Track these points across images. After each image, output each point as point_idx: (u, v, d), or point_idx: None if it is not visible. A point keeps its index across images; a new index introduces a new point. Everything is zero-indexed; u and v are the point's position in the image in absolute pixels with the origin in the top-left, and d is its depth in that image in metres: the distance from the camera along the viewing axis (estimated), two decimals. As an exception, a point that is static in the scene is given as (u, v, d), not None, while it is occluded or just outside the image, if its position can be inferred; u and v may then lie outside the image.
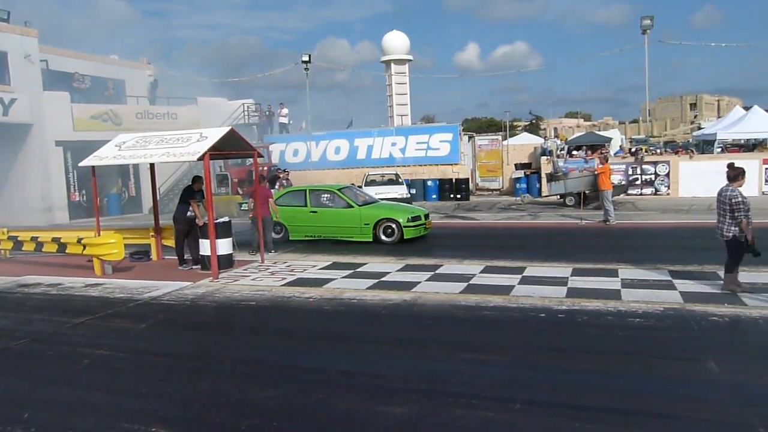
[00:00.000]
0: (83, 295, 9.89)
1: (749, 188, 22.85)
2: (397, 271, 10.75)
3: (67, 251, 11.96)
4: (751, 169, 23.10)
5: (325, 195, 14.86)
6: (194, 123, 26.24)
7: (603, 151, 19.58)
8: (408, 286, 9.41)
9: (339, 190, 14.87)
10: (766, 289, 8.21)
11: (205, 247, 11.09)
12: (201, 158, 10.38)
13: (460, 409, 4.91)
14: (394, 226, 13.93)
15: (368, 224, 14.04)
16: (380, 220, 14.03)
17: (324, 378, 5.78)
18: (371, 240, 13.98)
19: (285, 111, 32.44)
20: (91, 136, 22.28)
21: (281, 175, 23.02)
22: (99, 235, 11.67)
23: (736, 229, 7.96)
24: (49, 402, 5.52)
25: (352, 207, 14.28)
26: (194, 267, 11.68)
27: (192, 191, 11.70)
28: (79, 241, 11.62)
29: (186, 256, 12.00)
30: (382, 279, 10.05)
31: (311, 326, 7.74)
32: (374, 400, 5.18)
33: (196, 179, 11.87)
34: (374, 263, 11.55)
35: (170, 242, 12.70)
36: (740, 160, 23.60)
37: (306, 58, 32.94)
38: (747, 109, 30.35)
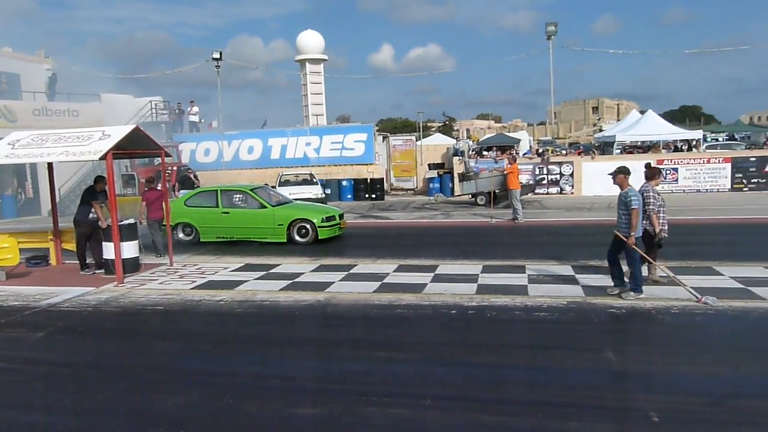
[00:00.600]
0: (-28, 304, 9.19)
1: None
2: (311, 271, 10.68)
3: (-47, 257, 11.07)
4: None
5: (238, 195, 14.54)
6: (98, 121, 24.91)
7: (511, 152, 20.37)
8: (322, 286, 9.37)
9: (252, 190, 14.60)
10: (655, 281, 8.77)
11: (108, 250, 10.57)
12: (103, 157, 9.90)
13: (373, 408, 4.94)
14: (308, 226, 13.81)
15: (282, 225, 13.85)
16: (294, 221, 13.87)
17: (234, 382, 5.65)
18: (285, 241, 13.81)
19: (195, 109, 31.49)
20: (-19, 134, 20.72)
21: (191, 175, 22.37)
22: (-10, 239, 10.88)
23: (646, 222, 8.41)
24: (-70, 421, 5.09)
25: (266, 207, 14.05)
26: (97, 271, 11.11)
27: (94, 192, 11.12)
28: (-33, 246, 10.78)
29: (88, 261, 11.40)
30: (296, 280, 9.95)
31: (222, 330, 7.55)
32: (286, 403, 5.12)
33: (99, 179, 11.30)
34: (288, 264, 11.43)
35: (71, 246, 12.02)
36: (637, 161, 25.19)
37: (217, 55, 32.08)
38: (643, 113, 32.42)
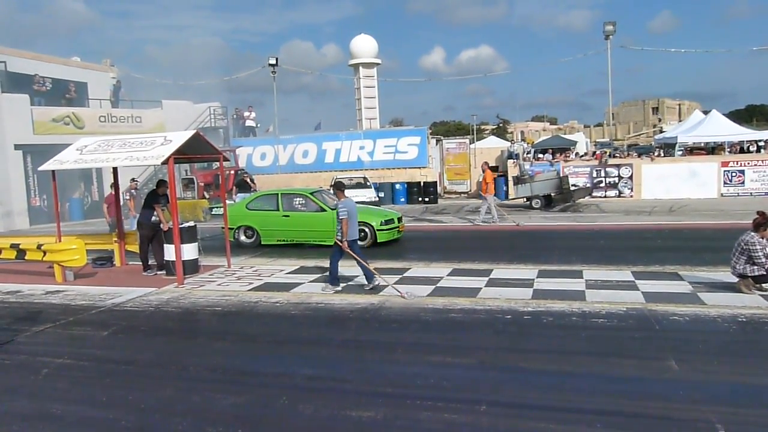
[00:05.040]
0: (43, 303, 9.63)
1: (708, 190, 23.56)
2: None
3: (26, 258, 11.65)
4: (710, 172, 23.76)
5: (298, 199, 14.67)
6: (159, 126, 25.86)
7: (486, 160, 20.33)
8: (375, 289, 9.40)
9: (311, 193, 14.74)
10: (720, 287, 8.44)
11: (170, 252, 10.91)
12: (165, 162, 10.23)
13: (426, 412, 4.92)
14: (367, 229, 13.79)
15: None
16: None
17: (290, 383, 5.74)
18: None
19: (253, 114, 32.18)
20: (52, 140, 21.70)
21: (247, 179, 22.84)
22: (60, 240, 11.40)
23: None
24: (7, 414, 5.36)
25: (325, 210, 14.09)
26: (159, 272, 11.48)
27: (156, 195, 11.49)
28: (39, 247, 11.32)
29: (151, 262, 11.79)
30: (350, 283, 10.02)
31: (277, 331, 7.68)
32: (340, 405, 5.15)
33: (161, 183, 11.68)
34: (341, 267, 11.45)
35: (134, 248, 12.46)
36: (700, 163, 24.29)
37: (273, 62, 32.71)
38: (706, 113, 31.21)
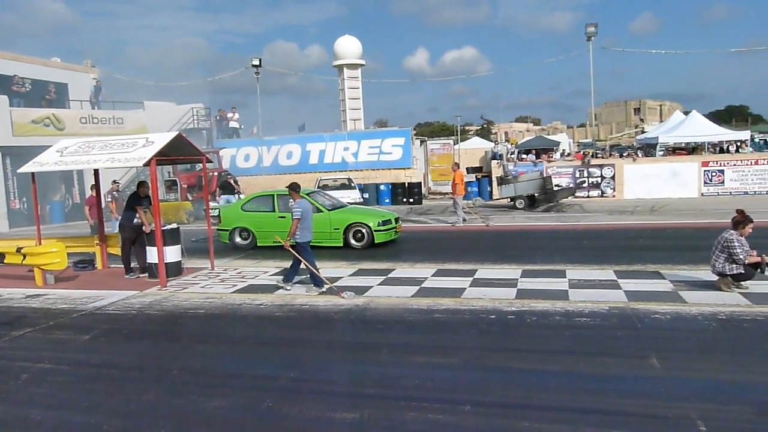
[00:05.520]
0: (23, 307, 9.50)
1: (689, 190, 23.84)
2: (350, 276, 10.73)
3: (5, 261, 11.47)
4: (691, 172, 24.06)
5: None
6: (141, 127, 25.63)
7: (456, 161, 20.49)
8: (360, 290, 9.39)
9: (307, 194, 14.60)
10: (700, 285, 8.54)
11: (152, 254, 10.82)
12: (147, 164, 10.14)
13: (412, 413, 4.92)
14: (364, 230, 13.72)
15: (338, 229, 13.79)
16: (350, 225, 13.81)
17: (274, 385, 5.71)
18: (341, 245, 13.73)
19: (236, 115, 32.02)
20: (32, 142, 21.43)
21: (231, 181, 22.71)
22: (40, 243, 11.25)
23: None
24: (-16, 419, 5.28)
25: (322, 211, 13.90)
26: (141, 275, 11.38)
27: (138, 197, 11.39)
28: (18, 250, 11.15)
29: (133, 265, 11.68)
30: (334, 284, 9.98)
31: (262, 333, 7.64)
32: (326, 407, 5.13)
33: (141, 184, 11.58)
34: (326, 268, 11.45)
35: (116, 250, 12.34)
36: (681, 163, 24.58)
37: (256, 62, 32.58)
38: (687, 114, 31.61)
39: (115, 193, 16.88)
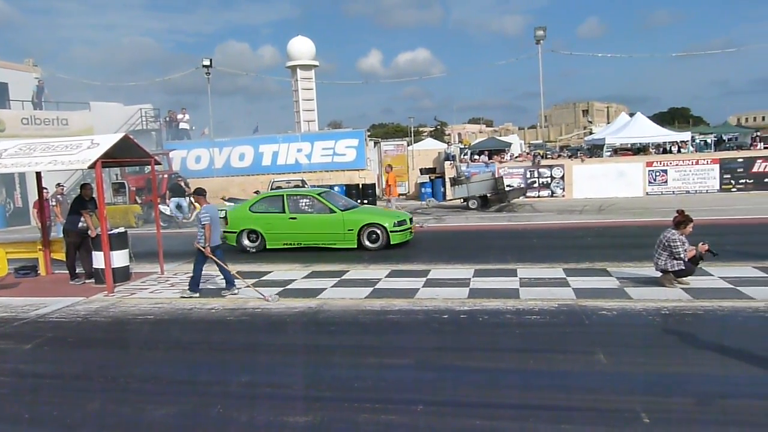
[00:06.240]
0: (-40, 316, 9.09)
1: (635, 189, 24.57)
2: (303, 278, 10.66)
3: (-59, 269, 10.97)
4: (636, 172, 24.81)
5: (304, 200, 14.04)
6: (87, 129, 24.86)
7: (389, 163, 20.92)
8: (314, 293, 9.35)
9: (319, 194, 14.20)
10: (645, 282, 8.82)
11: (98, 259, 10.52)
12: (92, 166, 9.86)
13: (364, 414, 4.92)
14: (379, 231, 13.32)
15: (352, 230, 13.37)
16: (365, 225, 13.41)
17: (225, 391, 5.62)
18: (355, 246, 13.34)
19: (186, 116, 31.40)
20: (-31, 144, 20.54)
21: (181, 183, 22.27)
22: (-22, 250, 10.79)
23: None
24: None
25: (335, 212, 13.60)
26: (87, 281, 11.05)
27: (83, 200, 11.05)
28: (-46, 257, 10.69)
29: (78, 270, 11.33)
30: (288, 287, 9.93)
31: (213, 338, 7.51)
32: (278, 411, 5.09)
33: (84, 186, 11.23)
34: (280, 271, 11.40)
35: (60, 256, 11.95)
36: (627, 163, 25.32)
37: (207, 63, 32.02)
38: (632, 115, 32.60)
39: (59, 196, 16.33)
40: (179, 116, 31.09)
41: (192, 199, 9.65)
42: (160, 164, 14.62)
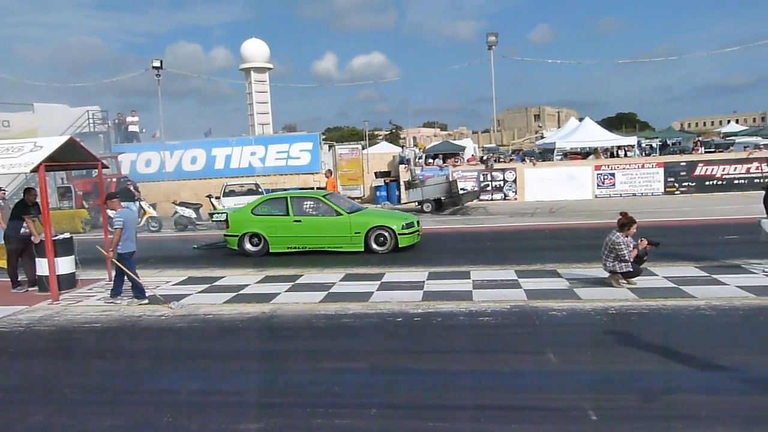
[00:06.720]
0: None
1: (584, 192, 25.17)
2: (257, 283, 10.54)
3: None
4: (585, 175, 25.43)
5: (309, 202, 13.72)
6: (31, 131, 24.02)
7: (329, 168, 21.10)
8: (267, 297, 9.25)
9: (324, 196, 13.88)
10: (593, 282, 9.05)
11: (42, 266, 10.16)
12: (35, 170, 9.52)
13: (318, 420, 4.89)
14: (387, 234, 13.03)
15: (359, 233, 13.07)
16: (372, 228, 13.12)
17: (175, 400, 5.50)
18: (362, 249, 13.05)
19: (136, 119, 30.64)
20: None
21: (130, 187, 21.73)
22: None
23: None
24: None
25: (341, 215, 13.28)
26: (30, 289, 10.65)
27: (26, 205, 10.65)
28: None
29: (21, 278, 10.91)
30: (240, 292, 9.79)
31: (162, 346, 7.34)
32: (229, 418, 5.00)
33: (27, 191, 10.84)
34: (233, 276, 11.24)
35: (1, 263, 11.49)
36: (577, 167, 25.91)
37: (157, 64, 31.35)
38: (581, 120, 33.42)
39: (0, 201, 15.71)
40: (129, 118, 30.32)
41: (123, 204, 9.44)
42: (107, 168, 14.19)
